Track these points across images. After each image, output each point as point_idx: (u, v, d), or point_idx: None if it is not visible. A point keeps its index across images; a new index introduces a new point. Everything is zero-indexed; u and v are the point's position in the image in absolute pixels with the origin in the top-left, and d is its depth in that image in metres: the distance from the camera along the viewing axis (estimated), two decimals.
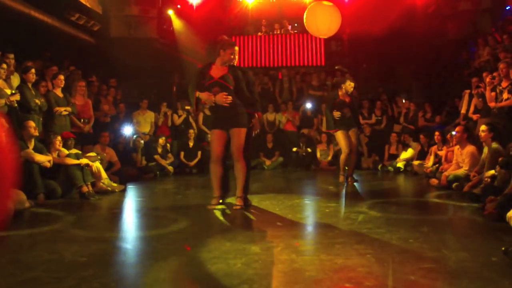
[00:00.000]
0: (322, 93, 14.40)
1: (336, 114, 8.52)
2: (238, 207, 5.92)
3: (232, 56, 6.01)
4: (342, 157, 8.71)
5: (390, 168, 11.51)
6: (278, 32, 16.70)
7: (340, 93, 8.68)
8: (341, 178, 8.75)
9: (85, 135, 8.90)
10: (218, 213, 5.74)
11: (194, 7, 14.71)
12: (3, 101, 7.00)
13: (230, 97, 5.88)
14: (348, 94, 8.70)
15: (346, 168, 8.78)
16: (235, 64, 6.13)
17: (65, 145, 7.61)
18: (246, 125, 6.05)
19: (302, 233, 4.76)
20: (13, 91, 7.31)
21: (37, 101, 7.62)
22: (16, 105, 7.22)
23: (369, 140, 12.65)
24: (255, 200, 6.29)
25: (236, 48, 6.09)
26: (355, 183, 8.64)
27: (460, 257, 3.61)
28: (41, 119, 7.81)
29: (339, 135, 8.67)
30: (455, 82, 12.93)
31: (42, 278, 3.21)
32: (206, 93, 5.94)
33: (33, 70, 7.76)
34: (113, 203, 7.11)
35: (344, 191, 8.07)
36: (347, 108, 8.55)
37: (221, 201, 6.15)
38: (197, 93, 6.01)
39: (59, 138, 7.42)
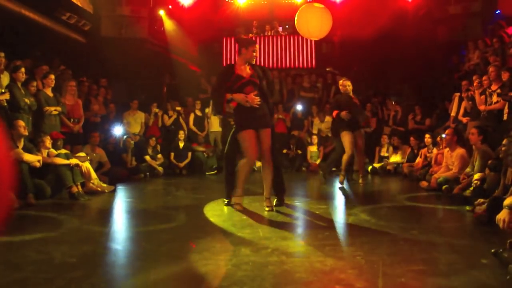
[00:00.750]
0: (313, 95, 14.42)
1: (344, 115, 8.49)
2: (268, 208, 5.92)
3: (254, 54, 5.99)
4: (345, 158, 8.67)
5: (380, 170, 11.51)
6: (269, 33, 16.70)
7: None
8: (341, 178, 8.67)
9: (75, 135, 8.86)
10: (208, 214, 5.73)
11: (186, 8, 14.67)
12: None
13: (258, 98, 5.89)
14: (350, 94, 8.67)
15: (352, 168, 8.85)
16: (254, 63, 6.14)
17: (54, 145, 7.57)
18: (272, 125, 6.09)
19: (292, 234, 4.76)
20: (2, 90, 7.26)
21: (26, 100, 7.58)
22: (5, 104, 7.17)
23: None
24: (245, 201, 6.29)
25: (257, 46, 6.08)
26: (360, 183, 8.83)
27: (450, 259, 3.63)
28: (30, 118, 7.77)
29: (345, 136, 8.61)
30: (445, 85, 13.00)
31: (31, 279, 3.19)
32: (240, 95, 5.89)
33: (22, 69, 7.71)
34: (103, 203, 7.08)
35: (334, 193, 8.08)
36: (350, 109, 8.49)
37: (226, 201, 6.26)
38: (229, 95, 5.94)
39: (48, 137, 7.37)
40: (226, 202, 6.34)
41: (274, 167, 6.09)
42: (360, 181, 8.84)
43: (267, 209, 5.90)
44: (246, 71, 5.99)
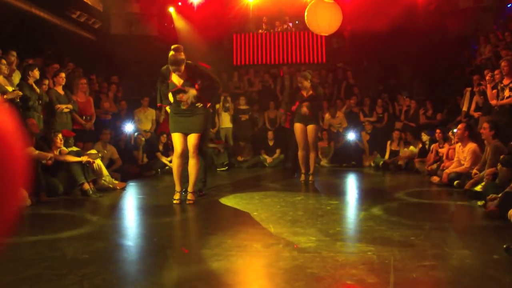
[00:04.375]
0: (323, 91, 14.38)
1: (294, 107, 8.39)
2: (189, 201, 6.22)
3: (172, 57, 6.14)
4: (299, 153, 8.56)
5: (391, 165, 11.46)
6: (279, 29, 16.67)
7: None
8: (302, 177, 8.56)
9: (87, 132, 8.90)
10: (219, 210, 5.75)
11: (195, 5, 14.68)
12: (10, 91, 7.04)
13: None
14: (309, 88, 8.32)
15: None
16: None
17: (66, 143, 7.61)
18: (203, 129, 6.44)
19: (303, 230, 4.76)
20: (14, 89, 7.31)
21: (37, 90, 7.63)
22: (18, 100, 7.23)
23: (370, 137, 12.64)
24: (256, 197, 6.29)
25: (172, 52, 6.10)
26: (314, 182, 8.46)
27: (461, 255, 3.61)
28: (41, 116, 7.82)
29: (296, 128, 8.46)
30: (457, 80, 12.90)
31: (44, 275, 3.22)
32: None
33: (36, 68, 7.79)
34: (115, 200, 7.12)
35: (345, 188, 8.07)
36: (306, 103, 8.30)
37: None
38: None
39: (59, 135, 7.42)
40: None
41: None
42: (310, 178, 8.47)
43: (188, 202, 6.18)
44: (179, 78, 6.13)
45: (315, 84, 8.68)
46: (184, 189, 6.42)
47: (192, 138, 6.21)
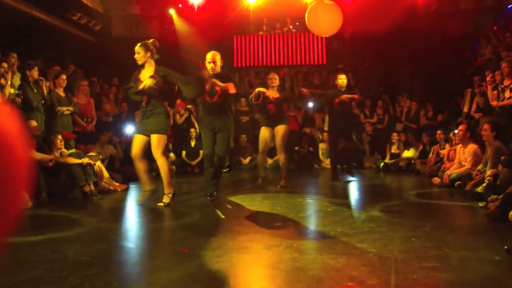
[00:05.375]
0: (324, 92, 14.39)
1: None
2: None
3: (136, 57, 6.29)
4: (259, 156, 8.52)
5: (392, 167, 11.46)
6: (280, 31, 16.68)
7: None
8: (260, 180, 8.47)
9: (88, 134, 8.91)
10: (221, 212, 5.75)
11: (196, 7, 14.69)
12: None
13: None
14: (276, 89, 8.13)
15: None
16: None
17: (66, 145, 7.62)
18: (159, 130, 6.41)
19: (304, 232, 4.76)
20: (16, 92, 7.33)
21: (44, 90, 7.66)
22: (19, 101, 7.23)
23: (371, 139, 12.65)
24: (257, 198, 6.28)
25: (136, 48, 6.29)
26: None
27: (462, 256, 3.61)
28: (44, 118, 7.82)
29: (261, 131, 8.30)
30: (457, 81, 12.91)
31: (45, 277, 3.22)
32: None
33: (35, 68, 7.80)
34: (116, 202, 7.12)
35: (346, 190, 8.07)
36: (272, 105, 8.12)
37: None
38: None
39: (59, 137, 7.42)
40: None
41: (216, 166, 6.76)
42: (282, 183, 8.14)
43: (160, 204, 6.25)
44: (147, 74, 6.20)
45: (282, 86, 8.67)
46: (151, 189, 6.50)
47: (154, 139, 6.18)
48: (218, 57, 6.69)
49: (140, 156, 6.27)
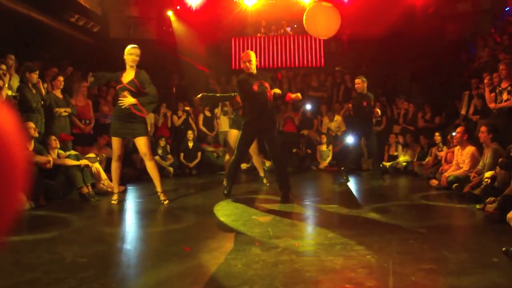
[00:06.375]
0: (322, 94, 14.42)
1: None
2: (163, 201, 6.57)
3: (131, 57, 6.50)
4: (227, 159, 8.60)
5: (390, 169, 11.47)
6: (277, 33, 16.69)
7: None
8: (264, 180, 8.70)
9: (86, 136, 8.91)
10: (218, 214, 5.75)
11: (193, 9, 14.69)
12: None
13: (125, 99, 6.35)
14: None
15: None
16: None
17: (64, 147, 7.61)
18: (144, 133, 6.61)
19: (302, 233, 4.76)
20: (14, 94, 7.32)
21: (42, 91, 7.67)
22: (16, 100, 7.23)
23: None
24: (255, 201, 6.29)
25: (136, 50, 6.58)
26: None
27: (460, 258, 3.61)
28: (43, 119, 7.81)
29: (232, 134, 8.44)
30: (455, 83, 12.92)
31: (42, 279, 3.21)
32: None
33: (37, 72, 7.80)
34: (113, 204, 7.11)
35: (344, 192, 8.07)
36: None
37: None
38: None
39: (53, 137, 7.39)
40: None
41: (279, 165, 6.69)
42: (265, 180, 8.66)
43: (165, 202, 6.55)
44: (128, 77, 6.38)
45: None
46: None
47: (141, 142, 6.39)
48: (253, 56, 6.87)
49: (121, 159, 6.68)
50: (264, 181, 8.69)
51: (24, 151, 1.00)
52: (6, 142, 0.94)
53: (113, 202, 6.56)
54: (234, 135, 8.24)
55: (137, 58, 6.41)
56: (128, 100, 6.26)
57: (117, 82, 6.43)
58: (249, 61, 6.74)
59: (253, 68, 6.75)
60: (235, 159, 6.84)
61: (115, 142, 6.46)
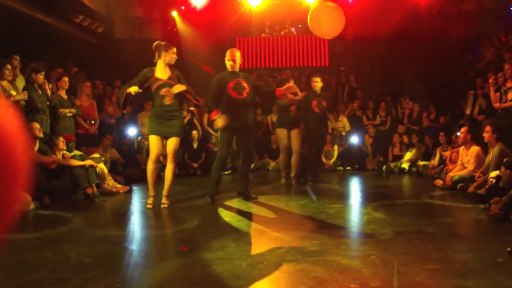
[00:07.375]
0: (327, 94, 14.39)
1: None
2: (164, 205, 6.33)
3: (174, 56, 6.51)
4: (281, 158, 8.73)
5: (394, 169, 11.47)
6: (282, 33, 16.68)
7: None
8: (282, 180, 8.72)
9: (91, 136, 8.92)
10: (223, 214, 5.75)
11: (198, 9, 14.69)
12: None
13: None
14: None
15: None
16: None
17: (67, 147, 7.63)
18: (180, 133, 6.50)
19: (307, 234, 4.76)
20: (15, 93, 7.34)
21: (48, 91, 7.70)
22: (23, 103, 7.24)
23: (374, 141, 12.64)
24: (260, 201, 6.29)
25: (175, 48, 6.60)
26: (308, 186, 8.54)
27: (465, 258, 3.60)
28: (49, 120, 7.83)
29: (279, 134, 8.71)
30: (460, 83, 12.89)
31: (47, 279, 3.22)
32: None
33: (43, 72, 7.82)
34: (118, 204, 7.13)
35: (349, 192, 8.06)
36: (292, 107, 8.46)
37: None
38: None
39: (61, 138, 7.41)
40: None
41: (247, 166, 7.01)
42: (293, 181, 8.72)
43: (163, 205, 6.29)
44: (165, 73, 6.32)
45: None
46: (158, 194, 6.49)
47: (172, 142, 6.27)
48: (238, 55, 6.86)
49: (159, 159, 6.49)
50: (282, 181, 8.77)
51: (26, 151, 1.00)
52: (8, 141, 0.95)
53: (148, 206, 6.31)
54: (281, 134, 8.65)
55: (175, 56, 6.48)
56: (178, 87, 6.18)
57: (152, 82, 6.32)
58: (234, 60, 6.76)
59: (236, 67, 6.79)
60: (218, 160, 6.86)
61: (154, 140, 6.24)
